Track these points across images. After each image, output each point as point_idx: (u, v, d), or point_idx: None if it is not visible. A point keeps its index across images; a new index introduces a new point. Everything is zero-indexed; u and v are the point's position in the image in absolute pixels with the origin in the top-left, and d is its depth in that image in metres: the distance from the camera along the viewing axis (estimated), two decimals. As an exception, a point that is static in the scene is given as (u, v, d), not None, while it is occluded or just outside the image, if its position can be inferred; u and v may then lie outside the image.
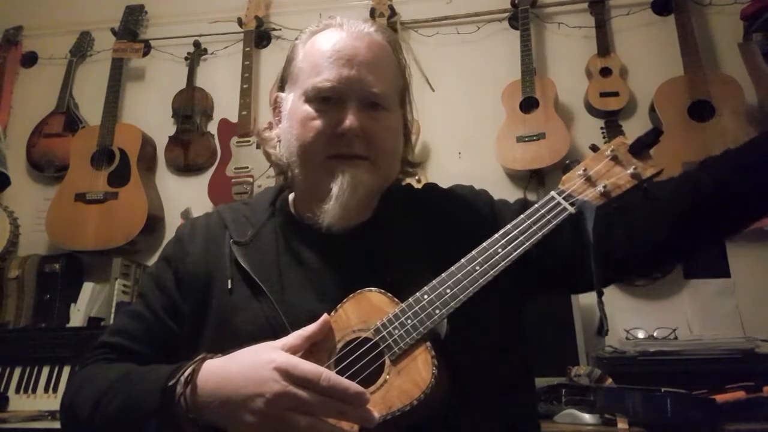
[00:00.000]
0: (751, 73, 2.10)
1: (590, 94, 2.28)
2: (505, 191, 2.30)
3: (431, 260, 0.80)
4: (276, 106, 0.98)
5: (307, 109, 0.88)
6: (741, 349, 1.67)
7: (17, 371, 2.00)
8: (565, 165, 0.83)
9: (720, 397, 1.42)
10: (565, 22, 2.45)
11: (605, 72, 2.29)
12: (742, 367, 1.60)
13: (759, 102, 2.09)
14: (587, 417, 1.55)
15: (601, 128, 2.24)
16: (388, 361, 0.73)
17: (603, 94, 2.26)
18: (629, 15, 2.40)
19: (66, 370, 1.98)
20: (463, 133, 2.39)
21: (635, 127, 2.25)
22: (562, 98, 2.32)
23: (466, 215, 0.94)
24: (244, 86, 2.48)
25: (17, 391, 1.97)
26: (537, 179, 2.24)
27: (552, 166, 2.17)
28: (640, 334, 1.92)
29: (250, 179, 2.33)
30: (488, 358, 0.82)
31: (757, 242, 2.05)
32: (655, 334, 1.91)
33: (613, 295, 2.03)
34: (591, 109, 2.30)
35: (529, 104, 2.25)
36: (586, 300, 1.86)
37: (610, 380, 1.66)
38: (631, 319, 1.95)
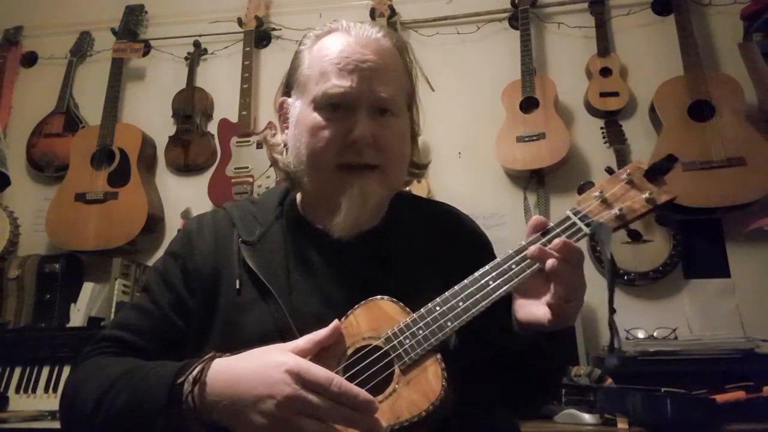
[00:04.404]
0: (751, 73, 2.11)
1: (590, 94, 2.28)
2: (505, 191, 2.30)
3: (436, 275, 0.80)
4: (282, 112, 0.96)
5: (316, 117, 0.87)
6: (741, 349, 1.67)
7: (17, 371, 2.01)
8: (579, 185, 0.83)
9: (720, 397, 1.42)
10: (565, 22, 2.45)
11: (605, 72, 2.29)
12: (742, 367, 1.60)
13: (759, 102, 2.09)
14: (587, 417, 1.55)
15: (601, 128, 2.23)
16: (397, 371, 0.73)
17: (603, 94, 2.26)
18: (629, 15, 2.40)
19: (66, 370, 1.98)
20: (463, 133, 2.39)
21: (635, 127, 2.25)
22: (562, 98, 2.32)
23: (478, 252, 0.92)
24: (244, 86, 2.48)
25: (17, 391, 1.97)
26: (537, 179, 2.24)
27: (552, 166, 2.17)
28: (640, 334, 1.92)
29: (250, 179, 2.33)
30: (489, 370, 0.82)
31: (757, 242, 2.05)
32: (655, 334, 1.91)
33: (613, 294, 2.04)
34: (591, 109, 2.30)
35: (529, 104, 2.25)
36: (586, 299, 1.86)
37: (610, 380, 1.66)
38: (631, 319, 1.95)
